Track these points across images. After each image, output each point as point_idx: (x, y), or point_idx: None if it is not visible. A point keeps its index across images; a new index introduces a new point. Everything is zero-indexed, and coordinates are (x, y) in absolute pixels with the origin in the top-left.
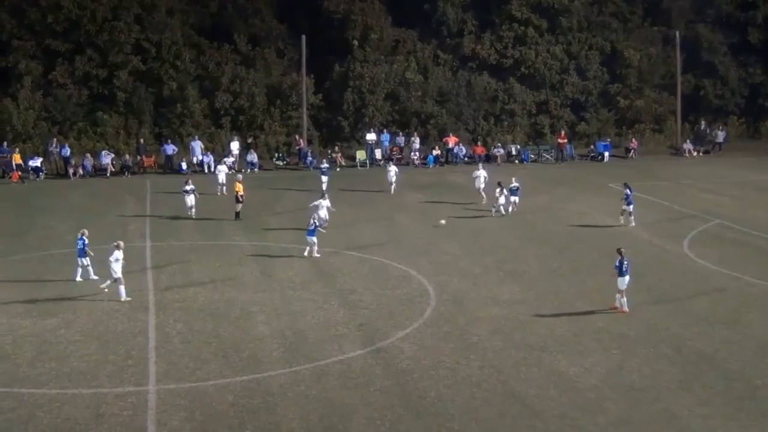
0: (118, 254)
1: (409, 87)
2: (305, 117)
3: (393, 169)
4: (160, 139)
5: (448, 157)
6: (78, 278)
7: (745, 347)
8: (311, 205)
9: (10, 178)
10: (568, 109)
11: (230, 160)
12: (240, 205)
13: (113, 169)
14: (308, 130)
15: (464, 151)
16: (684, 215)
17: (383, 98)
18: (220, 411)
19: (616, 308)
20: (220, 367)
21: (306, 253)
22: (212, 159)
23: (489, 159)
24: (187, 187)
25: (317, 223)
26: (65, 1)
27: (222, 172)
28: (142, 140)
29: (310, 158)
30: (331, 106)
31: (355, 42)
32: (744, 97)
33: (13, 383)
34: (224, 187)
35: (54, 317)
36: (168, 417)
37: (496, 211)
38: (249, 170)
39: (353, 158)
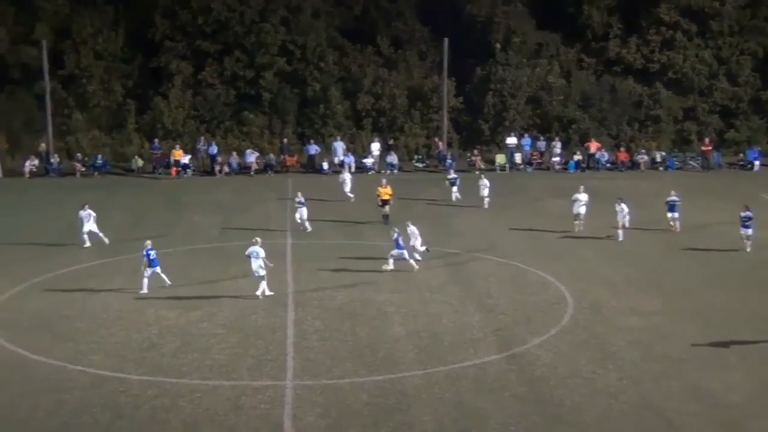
0: (258, 250)
1: (551, 91)
2: (445, 120)
3: (485, 183)
4: (302, 139)
5: (590, 163)
6: (144, 290)
7: None
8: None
9: (167, 173)
10: (717, 115)
11: (370, 161)
12: (387, 208)
13: (257, 168)
14: (448, 132)
15: (606, 156)
16: None
17: (524, 102)
18: (355, 409)
19: None
20: (355, 366)
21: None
22: (353, 160)
23: (633, 165)
24: (299, 200)
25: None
26: (215, 4)
27: (346, 181)
28: (285, 140)
29: (449, 161)
30: (471, 109)
31: (498, 45)
32: None
33: (158, 372)
34: (351, 195)
35: (198, 310)
36: (304, 412)
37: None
38: (388, 171)
39: (492, 162)
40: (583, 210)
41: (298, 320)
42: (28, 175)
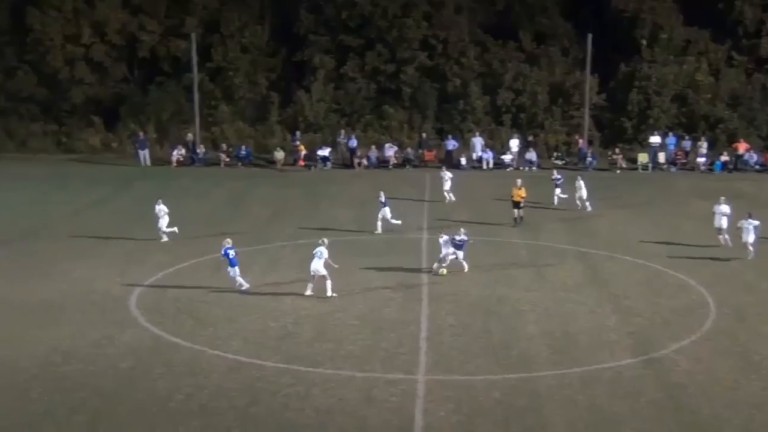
0: (323, 250)
1: (698, 89)
2: (587, 117)
3: (581, 183)
4: (441, 134)
5: (737, 164)
6: (245, 285)
7: None
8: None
9: (309, 166)
10: None
11: (508, 157)
12: (520, 211)
13: (395, 162)
14: (589, 130)
15: (756, 158)
16: None
17: (670, 100)
18: (486, 407)
19: None
20: (488, 363)
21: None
22: (492, 156)
23: None
24: (381, 200)
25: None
26: None
27: (446, 179)
28: (424, 134)
29: (590, 159)
30: (614, 106)
31: (644, 41)
32: None
33: (293, 360)
34: (450, 194)
35: (333, 301)
36: (435, 407)
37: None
38: (527, 168)
39: (634, 161)
40: (725, 223)
41: (431, 315)
42: (174, 164)
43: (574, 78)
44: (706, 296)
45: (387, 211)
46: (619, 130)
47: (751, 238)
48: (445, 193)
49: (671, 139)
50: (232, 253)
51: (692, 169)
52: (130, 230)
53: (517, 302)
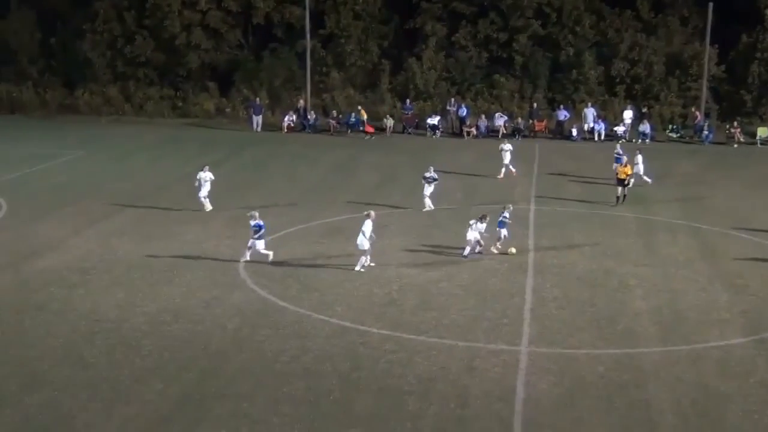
0: (368, 225)
1: None
2: (704, 89)
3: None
4: (552, 104)
5: None
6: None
7: None
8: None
9: (410, 133)
10: None
11: (621, 129)
12: (624, 189)
13: (505, 132)
14: (706, 102)
15: None
16: None
17: None
18: (589, 381)
19: None
20: (592, 337)
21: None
22: (604, 127)
23: None
24: (430, 175)
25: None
26: None
27: (507, 151)
28: (535, 104)
29: (706, 132)
30: (734, 78)
31: (767, 10)
32: None
33: (397, 328)
34: (509, 167)
35: (437, 270)
36: (537, 379)
37: None
38: (641, 141)
39: (753, 135)
40: None
41: (536, 287)
42: (285, 130)
43: (693, 48)
44: None
45: (429, 189)
46: (738, 103)
47: None
48: (505, 167)
49: None
50: (257, 225)
51: None
52: (241, 195)
53: (625, 276)
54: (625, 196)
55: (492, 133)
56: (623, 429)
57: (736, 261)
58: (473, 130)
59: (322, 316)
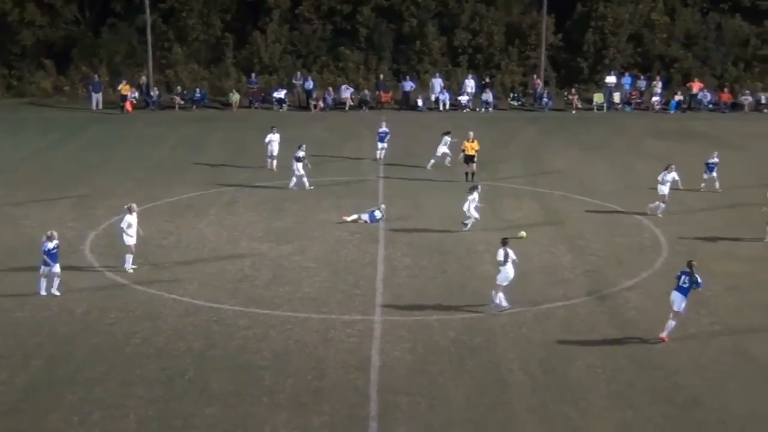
0: (131, 219)
1: (653, 28)
2: (543, 57)
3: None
4: (398, 76)
5: (691, 103)
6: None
7: None
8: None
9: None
10: None
11: (465, 98)
12: (473, 166)
13: (352, 104)
14: (545, 70)
15: (709, 97)
16: None
17: (625, 40)
18: (442, 346)
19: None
20: (443, 303)
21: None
22: (448, 97)
23: (735, 107)
24: (299, 154)
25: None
26: None
27: (445, 145)
28: (381, 76)
29: (546, 99)
30: (570, 46)
31: None
32: None
33: (251, 303)
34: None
35: (290, 244)
36: (391, 347)
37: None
38: (483, 109)
39: (590, 101)
40: (667, 190)
41: (388, 256)
42: (129, 109)
43: (531, 18)
44: (659, 235)
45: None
46: (574, 71)
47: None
48: (438, 157)
49: (626, 79)
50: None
51: (647, 108)
52: (84, 176)
53: (473, 243)
54: (473, 173)
55: (339, 105)
56: (475, 390)
57: (578, 223)
58: (320, 103)
59: (173, 296)
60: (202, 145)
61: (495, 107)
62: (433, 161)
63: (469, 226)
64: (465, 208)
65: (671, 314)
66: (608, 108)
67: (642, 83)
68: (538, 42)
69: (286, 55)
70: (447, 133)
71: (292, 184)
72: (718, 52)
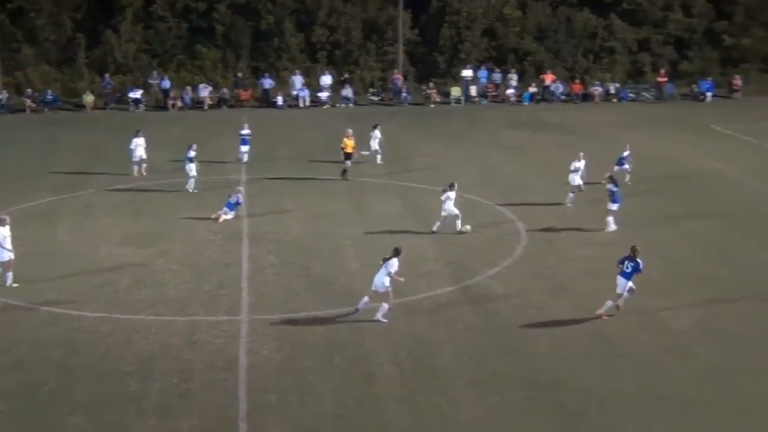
0: (4, 231)
1: (506, 22)
2: (401, 52)
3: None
4: (257, 73)
5: (545, 95)
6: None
7: None
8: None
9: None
10: (671, 46)
11: (324, 94)
12: (349, 162)
13: (211, 102)
14: (403, 65)
15: (561, 88)
16: None
17: (480, 34)
18: (310, 342)
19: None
20: (310, 300)
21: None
22: (308, 93)
23: (587, 97)
24: (191, 154)
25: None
26: None
27: (376, 139)
28: (239, 74)
29: (404, 94)
30: (427, 41)
31: None
32: None
33: (112, 309)
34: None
35: (152, 247)
36: (259, 346)
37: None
38: (343, 105)
39: (447, 95)
40: (578, 180)
41: (252, 255)
42: None
43: (387, 14)
44: (518, 224)
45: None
46: (432, 65)
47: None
48: (369, 152)
49: (482, 73)
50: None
51: (503, 101)
52: None
53: (338, 238)
54: (346, 170)
55: (197, 104)
56: (344, 384)
57: (440, 215)
58: (178, 103)
59: (31, 305)
60: (55, 148)
61: (355, 103)
62: (367, 153)
63: (459, 225)
64: (447, 207)
65: (615, 296)
66: (465, 101)
67: (497, 76)
68: (395, 37)
69: (141, 54)
70: (376, 126)
71: (190, 186)
72: (568, 44)
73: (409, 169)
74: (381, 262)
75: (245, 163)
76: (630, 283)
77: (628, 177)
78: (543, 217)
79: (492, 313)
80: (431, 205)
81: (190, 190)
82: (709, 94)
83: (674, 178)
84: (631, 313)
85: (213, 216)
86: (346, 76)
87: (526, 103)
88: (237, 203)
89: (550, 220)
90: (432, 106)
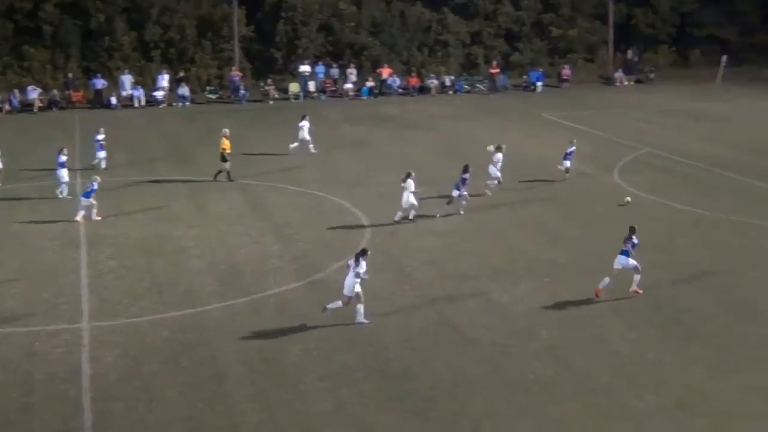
0: None
1: (342, 18)
2: (237, 49)
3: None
4: (88, 74)
5: (382, 89)
6: None
7: (672, 272)
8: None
9: None
10: (502, 39)
11: (160, 94)
12: (228, 164)
13: (41, 105)
14: (240, 62)
15: (398, 82)
16: (615, 144)
17: (316, 29)
18: (155, 346)
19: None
20: (154, 303)
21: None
22: (142, 93)
23: (423, 90)
24: (62, 158)
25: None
26: None
27: (304, 128)
28: (70, 75)
29: (242, 91)
30: (263, 37)
31: None
32: (675, 26)
33: None
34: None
35: None
36: (102, 353)
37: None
38: (180, 104)
39: (286, 91)
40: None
41: (91, 260)
42: None
43: (222, 11)
44: (361, 217)
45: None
46: (269, 61)
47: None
48: (298, 143)
49: (320, 68)
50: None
51: (341, 95)
52: None
53: (180, 239)
54: (220, 172)
55: (26, 107)
56: (193, 386)
57: (284, 212)
58: (5, 106)
59: None
60: None
61: (192, 101)
62: (296, 144)
63: (411, 216)
64: (404, 199)
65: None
66: (305, 97)
67: (335, 71)
68: (231, 34)
69: None
70: (304, 117)
71: (62, 192)
72: (403, 38)
73: (251, 166)
74: (347, 266)
75: (104, 169)
76: (631, 260)
77: (567, 174)
78: (386, 210)
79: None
80: (275, 202)
81: (61, 196)
82: (539, 84)
83: (509, 166)
84: (474, 299)
85: (76, 218)
86: (182, 74)
87: (364, 98)
88: (92, 190)
89: (393, 211)
90: (271, 102)
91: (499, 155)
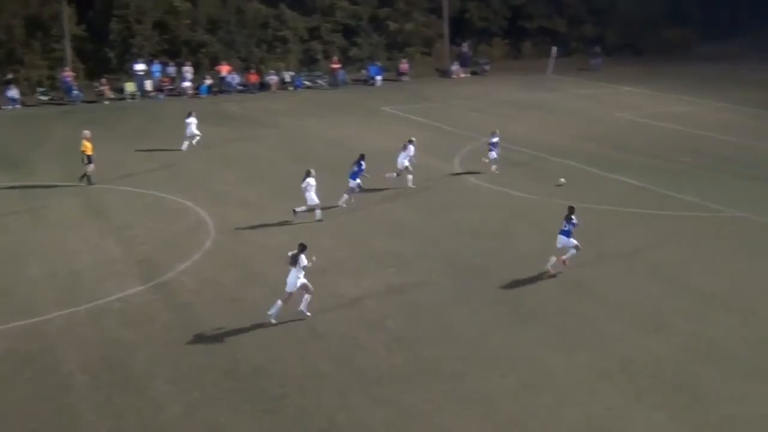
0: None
1: (177, 15)
2: (68, 49)
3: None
4: None
5: (222, 86)
6: None
7: (511, 257)
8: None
9: None
10: (340, 34)
11: None
12: (91, 167)
13: None
14: (73, 62)
15: (237, 79)
16: (454, 135)
17: (151, 27)
18: None
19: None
20: None
21: None
22: None
23: (264, 87)
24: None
25: None
26: None
27: (192, 124)
28: None
29: (75, 92)
30: (96, 36)
31: None
32: (507, 19)
33: None
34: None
35: None
36: None
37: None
38: (11, 107)
39: (121, 90)
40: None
41: None
42: None
43: (52, 9)
44: (205, 216)
45: None
46: (103, 61)
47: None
48: (187, 141)
49: (156, 66)
50: None
51: (179, 94)
52: None
53: (15, 246)
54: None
55: None
56: (37, 398)
57: (123, 214)
58: None
59: None
60: None
61: (22, 104)
62: (186, 143)
63: (318, 215)
64: (309, 196)
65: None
66: (141, 96)
67: (171, 69)
68: (61, 33)
69: None
70: (190, 114)
71: None
72: (241, 35)
73: (89, 170)
74: (289, 264)
75: None
76: (572, 240)
77: (494, 167)
78: (231, 209)
79: (186, 307)
80: (114, 205)
81: None
82: (378, 78)
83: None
84: (324, 293)
85: None
86: (11, 76)
87: (203, 96)
88: None
89: (237, 210)
90: (106, 102)
91: (411, 147)
